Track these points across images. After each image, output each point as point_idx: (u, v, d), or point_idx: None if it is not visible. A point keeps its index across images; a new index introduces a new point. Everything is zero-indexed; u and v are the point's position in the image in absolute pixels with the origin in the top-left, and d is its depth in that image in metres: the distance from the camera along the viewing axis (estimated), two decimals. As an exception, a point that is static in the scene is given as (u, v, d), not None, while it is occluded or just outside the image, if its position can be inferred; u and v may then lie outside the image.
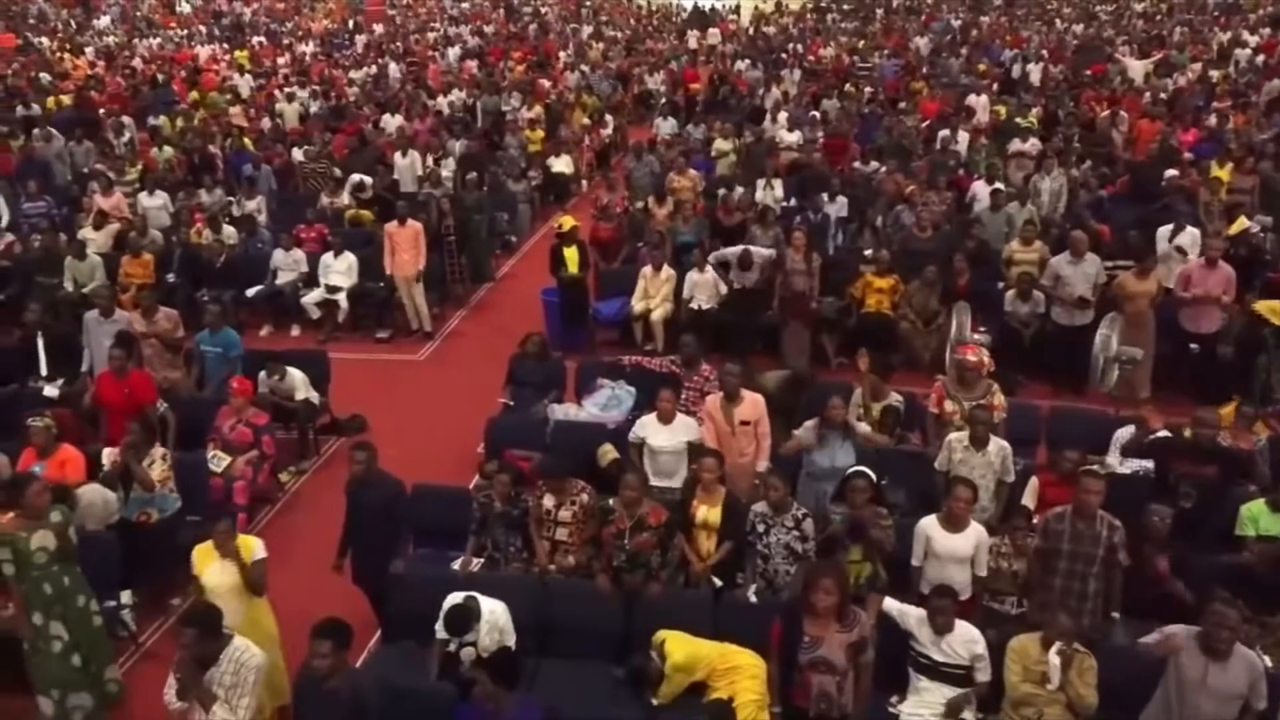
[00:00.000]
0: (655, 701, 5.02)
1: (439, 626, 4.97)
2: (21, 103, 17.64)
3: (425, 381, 9.84)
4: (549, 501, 5.79)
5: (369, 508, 5.78)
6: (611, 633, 5.43)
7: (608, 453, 6.88)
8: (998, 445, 6.10)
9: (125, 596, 6.20)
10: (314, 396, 8.25)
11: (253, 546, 5.17)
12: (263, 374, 7.98)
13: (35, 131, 14.93)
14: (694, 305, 9.77)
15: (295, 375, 8.09)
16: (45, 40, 27.40)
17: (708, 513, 5.62)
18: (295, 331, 10.61)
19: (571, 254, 9.91)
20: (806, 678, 4.48)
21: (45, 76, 21.23)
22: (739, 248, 9.85)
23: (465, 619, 4.93)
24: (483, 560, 6.05)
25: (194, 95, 19.38)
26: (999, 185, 11.25)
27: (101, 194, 11.97)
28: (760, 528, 5.52)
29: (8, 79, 21.60)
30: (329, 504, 7.67)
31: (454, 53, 24.84)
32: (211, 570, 5.08)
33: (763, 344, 9.60)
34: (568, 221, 10.12)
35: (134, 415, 6.72)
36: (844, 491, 5.46)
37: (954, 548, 5.33)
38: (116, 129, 15.39)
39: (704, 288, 9.77)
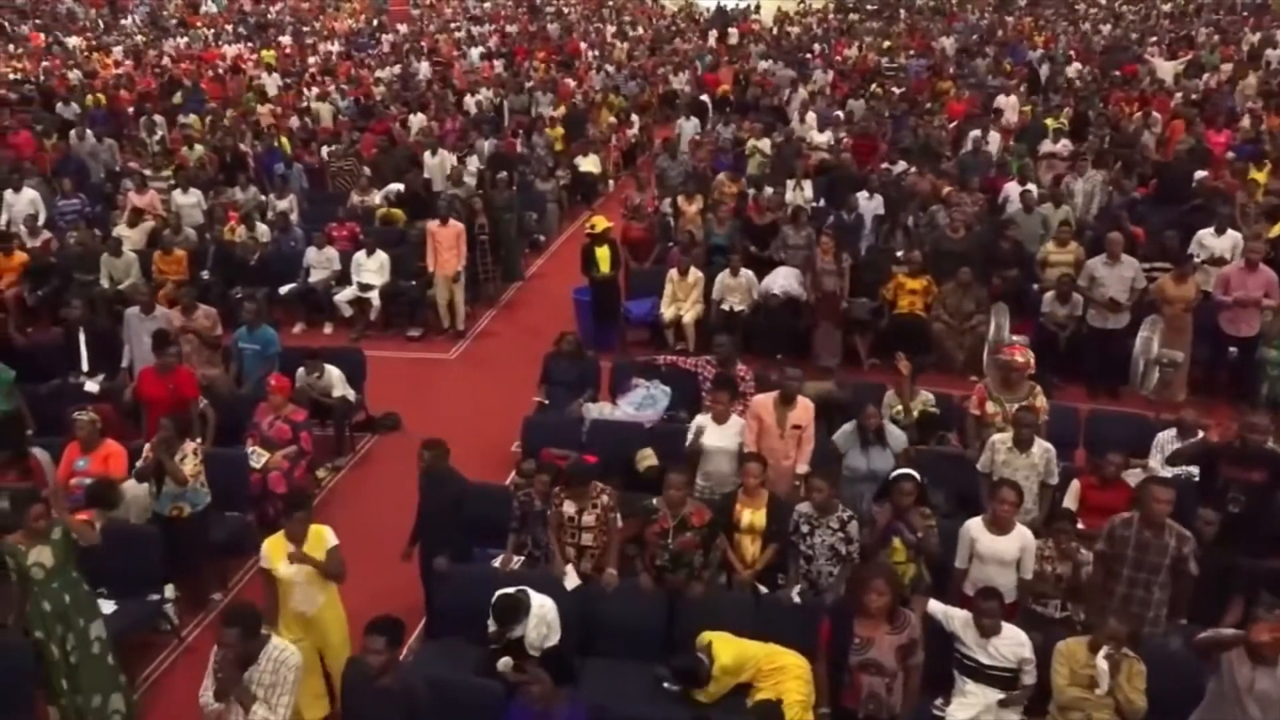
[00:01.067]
0: (702, 699, 5.02)
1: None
2: (62, 100, 17.84)
3: (457, 380, 9.88)
4: (570, 508, 5.70)
5: (434, 504, 5.83)
6: (654, 632, 5.43)
7: (646, 458, 6.87)
8: (1042, 447, 6.06)
9: (169, 591, 6.24)
10: (350, 394, 8.30)
11: (325, 535, 5.15)
12: (301, 370, 8.03)
13: (71, 131, 15.07)
14: (725, 307, 9.77)
15: (333, 372, 8.14)
16: (75, 39, 27.65)
17: (752, 516, 5.61)
18: (328, 329, 10.67)
19: (603, 254, 9.91)
20: (856, 679, 4.47)
21: (76, 74, 21.46)
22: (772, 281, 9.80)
23: (514, 610, 4.94)
24: (523, 558, 6.06)
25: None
26: (1031, 186, 11.18)
27: (135, 191, 12.09)
28: (804, 528, 5.51)
29: (38, 79, 21.86)
30: (365, 501, 7.78)
31: (476, 52, 24.92)
32: (285, 562, 5.05)
33: (794, 345, 9.57)
34: (600, 222, 10.13)
35: (177, 411, 6.79)
36: (889, 493, 5.44)
37: (999, 550, 5.31)
38: (148, 128, 15.51)
39: (736, 290, 9.76)
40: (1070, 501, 6.10)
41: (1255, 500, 5.83)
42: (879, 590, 4.40)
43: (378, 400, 8.86)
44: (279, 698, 4.24)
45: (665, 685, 5.08)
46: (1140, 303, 8.81)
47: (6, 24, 29.91)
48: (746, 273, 9.80)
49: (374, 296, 10.55)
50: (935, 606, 5.10)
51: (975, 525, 5.40)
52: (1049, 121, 14.74)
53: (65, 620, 5.09)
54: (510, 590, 5.05)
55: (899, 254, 10.12)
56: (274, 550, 5.12)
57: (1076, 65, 20.39)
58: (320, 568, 5.02)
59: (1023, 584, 5.37)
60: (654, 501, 5.65)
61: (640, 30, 29.40)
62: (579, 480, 5.63)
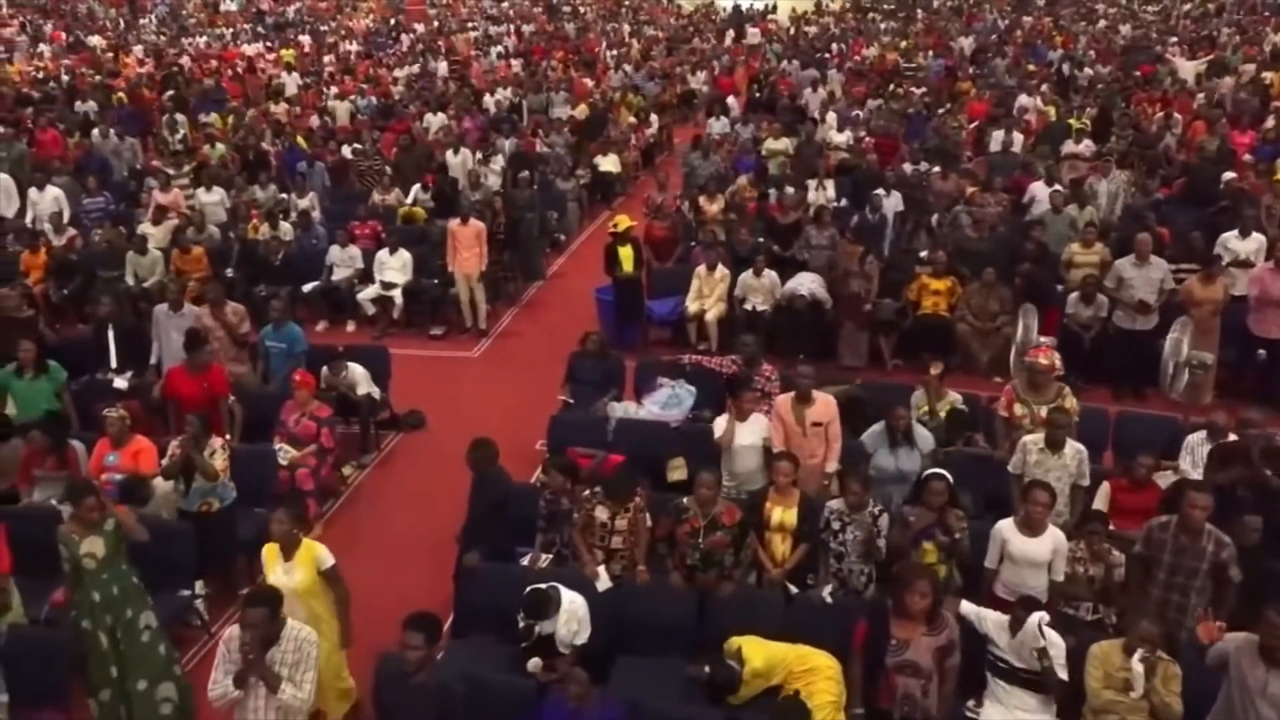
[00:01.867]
0: (733, 702, 5.02)
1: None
2: (81, 98, 17.96)
3: (480, 378, 9.90)
4: (603, 514, 5.70)
5: (482, 501, 5.88)
6: (684, 630, 5.43)
7: (677, 468, 6.86)
8: (1074, 448, 6.03)
9: (199, 586, 6.28)
10: (375, 392, 8.33)
11: (317, 554, 5.09)
12: (326, 368, 8.07)
13: (95, 130, 15.17)
14: (747, 306, 9.76)
15: (356, 370, 8.17)
16: (96, 39, 27.84)
17: (783, 515, 5.61)
18: (350, 327, 10.71)
19: (626, 253, 9.92)
20: (891, 680, 4.46)
21: (96, 75, 21.61)
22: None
23: (544, 604, 4.95)
24: (551, 556, 6.07)
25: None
26: (1059, 187, 11.13)
27: (160, 190, 12.14)
28: (835, 525, 5.50)
29: (60, 77, 22.03)
30: (390, 498, 7.81)
31: (495, 51, 24.97)
32: (276, 571, 5.05)
33: (818, 346, 9.55)
34: (623, 221, 10.13)
35: (207, 408, 6.83)
36: (920, 494, 5.43)
37: (1030, 552, 5.28)
38: (170, 126, 15.59)
39: (758, 290, 9.75)
40: (1101, 503, 6.07)
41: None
42: (922, 592, 4.39)
43: (401, 398, 8.89)
44: (303, 674, 4.26)
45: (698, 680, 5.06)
46: (1168, 304, 8.76)
47: (28, 23, 30.17)
48: (769, 273, 9.79)
49: (397, 295, 10.59)
50: (968, 608, 5.08)
51: (1006, 526, 5.38)
52: (1071, 122, 14.66)
53: (113, 610, 5.11)
54: (541, 585, 5.05)
55: (923, 255, 10.08)
56: (269, 557, 5.14)
57: (1097, 66, 20.25)
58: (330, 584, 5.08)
59: (1054, 586, 5.34)
60: (684, 501, 5.65)
61: (656, 30, 29.39)
62: (623, 493, 5.63)
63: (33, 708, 5.11)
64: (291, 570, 5.05)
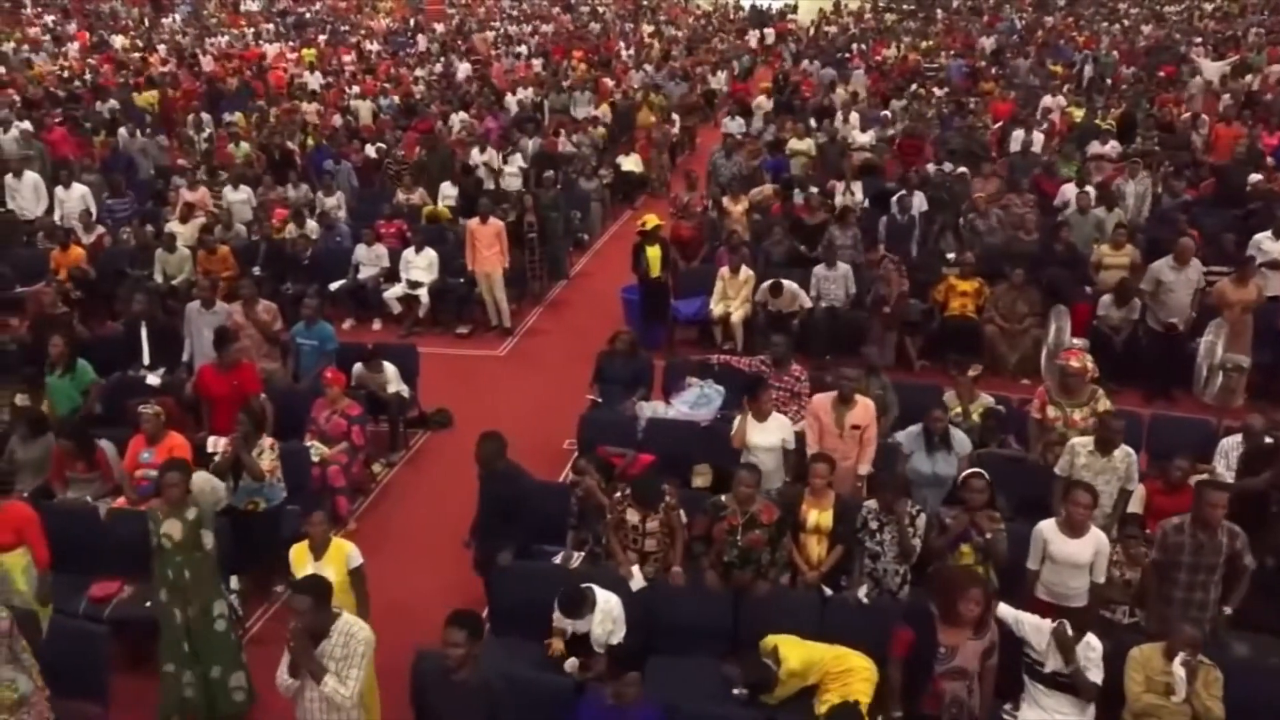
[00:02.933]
0: (769, 702, 5.01)
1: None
2: (105, 98, 18.10)
3: (507, 377, 9.92)
4: (633, 517, 5.69)
5: (494, 497, 5.83)
6: (719, 630, 5.43)
7: (702, 474, 6.85)
8: (1124, 451, 5.96)
9: (233, 582, 6.31)
10: (404, 390, 8.36)
11: (347, 552, 5.14)
12: (359, 366, 8.10)
13: (121, 130, 15.29)
14: (772, 308, 9.74)
15: (388, 368, 8.20)
16: (120, 38, 28.06)
17: (818, 516, 5.59)
18: (376, 326, 10.75)
19: (654, 253, 9.90)
20: (939, 686, 4.44)
21: (121, 74, 21.79)
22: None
23: (580, 602, 4.96)
24: (583, 554, 6.08)
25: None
26: (1088, 188, 11.06)
27: (187, 188, 12.22)
28: (873, 525, 5.49)
29: (85, 76, 22.21)
30: (419, 496, 7.84)
31: (513, 51, 25.02)
32: (305, 570, 5.05)
33: (845, 346, 9.51)
34: (651, 220, 10.11)
35: (239, 405, 6.86)
36: (960, 493, 5.40)
37: (1071, 553, 5.24)
38: (196, 125, 15.70)
39: (783, 301, 9.71)
40: (1136, 506, 6.02)
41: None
42: (976, 600, 4.37)
43: (429, 397, 8.91)
44: (349, 670, 4.25)
45: (735, 692, 5.05)
46: (1201, 306, 8.69)
47: (54, 23, 30.43)
48: (789, 285, 9.69)
49: (423, 294, 10.62)
50: (1005, 611, 5.04)
51: (1048, 527, 5.34)
52: (1098, 122, 14.59)
53: (185, 593, 5.24)
54: (577, 584, 5.05)
55: (950, 256, 10.04)
56: (297, 557, 5.20)
57: (1123, 67, 20.14)
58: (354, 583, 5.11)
59: (1095, 588, 5.31)
60: (723, 498, 5.64)
61: (676, 30, 29.38)
62: (650, 498, 5.61)
63: (71, 699, 5.15)
64: (322, 569, 5.05)
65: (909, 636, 4.62)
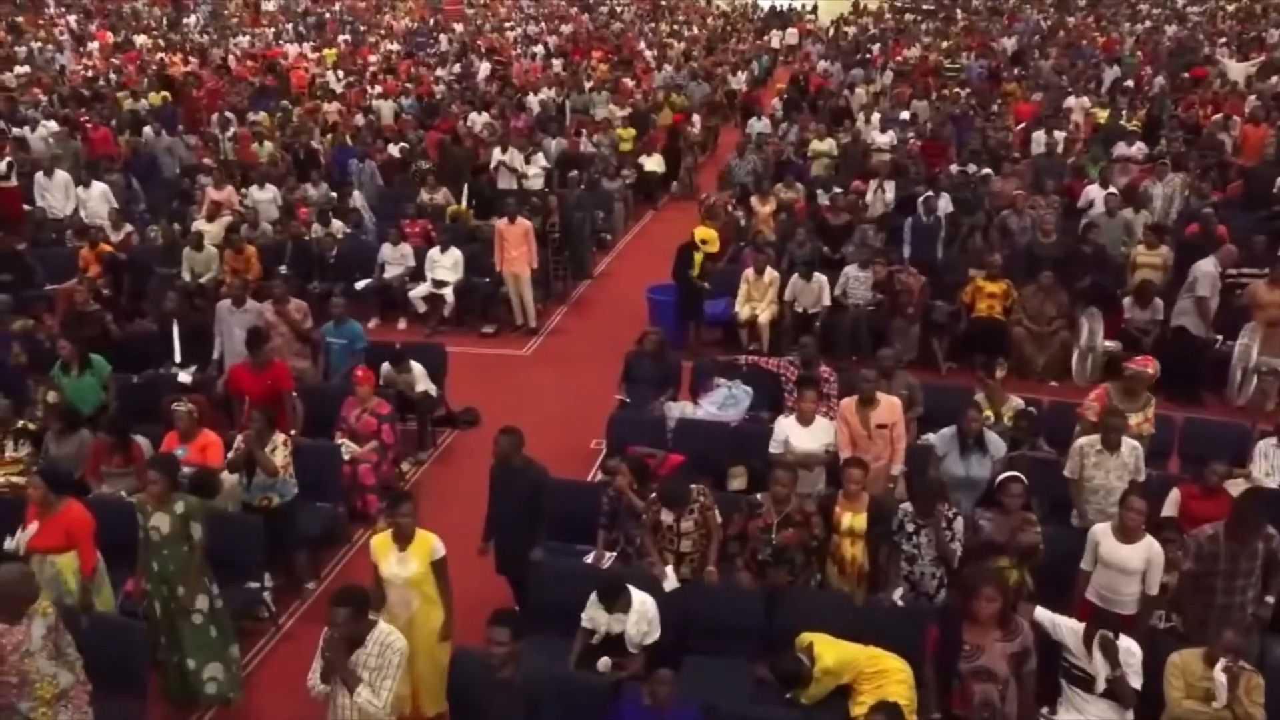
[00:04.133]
0: (803, 701, 5.01)
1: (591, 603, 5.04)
2: (133, 95, 18.24)
3: (533, 376, 9.93)
4: (667, 517, 5.69)
5: (511, 494, 5.81)
6: (752, 630, 5.42)
7: (738, 476, 6.84)
8: (1129, 445, 6.04)
9: (267, 579, 6.35)
10: (432, 389, 8.39)
11: (432, 544, 5.13)
12: (387, 365, 8.14)
13: (146, 129, 15.40)
14: (798, 309, 9.73)
15: (416, 368, 8.23)
16: (142, 38, 28.24)
17: (853, 520, 5.59)
18: (402, 324, 10.78)
19: (700, 258, 9.95)
20: (968, 686, 4.44)
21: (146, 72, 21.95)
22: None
23: (618, 590, 5.01)
24: (615, 554, 6.08)
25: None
26: (1114, 189, 11.01)
27: (214, 186, 12.29)
28: (909, 527, 5.47)
29: (109, 76, 22.35)
30: (447, 495, 7.85)
31: (531, 50, 25.06)
32: (389, 561, 5.07)
33: (871, 347, 9.48)
34: (712, 239, 10.10)
35: (271, 403, 6.91)
36: (996, 496, 5.39)
37: (1123, 558, 5.22)
38: (222, 124, 15.78)
39: (807, 294, 9.72)
40: (1171, 510, 6.00)
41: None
42: (988, 597, 4.37)
43: (455, 396, 8.94)
44: (382, 681, 4.26)
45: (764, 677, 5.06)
46: (1235, 309, 8.63)
47: (77, 22, 30.67)
48: (819, 276, 9.75)
49: (448, 293, 10.65)
50: (1042, 614, 5.03)
51: (1102, 530, 5.34)
52: (1124, 123, 14.51)
53: (169, 584, 5.33)
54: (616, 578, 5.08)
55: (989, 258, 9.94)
56: (380, 548, 5.16)
57: (1147, 68, 20.02)
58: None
59: (1146, 599, 5.26)
60: (758, 496, 5.64)
61: (695, 30, 29.37)
62: (679, 498, 5.62)
63: (110, 695, 5.19)
64: (406, 560, 5.08)
65: (935, 635, 4.62)
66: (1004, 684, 4.47)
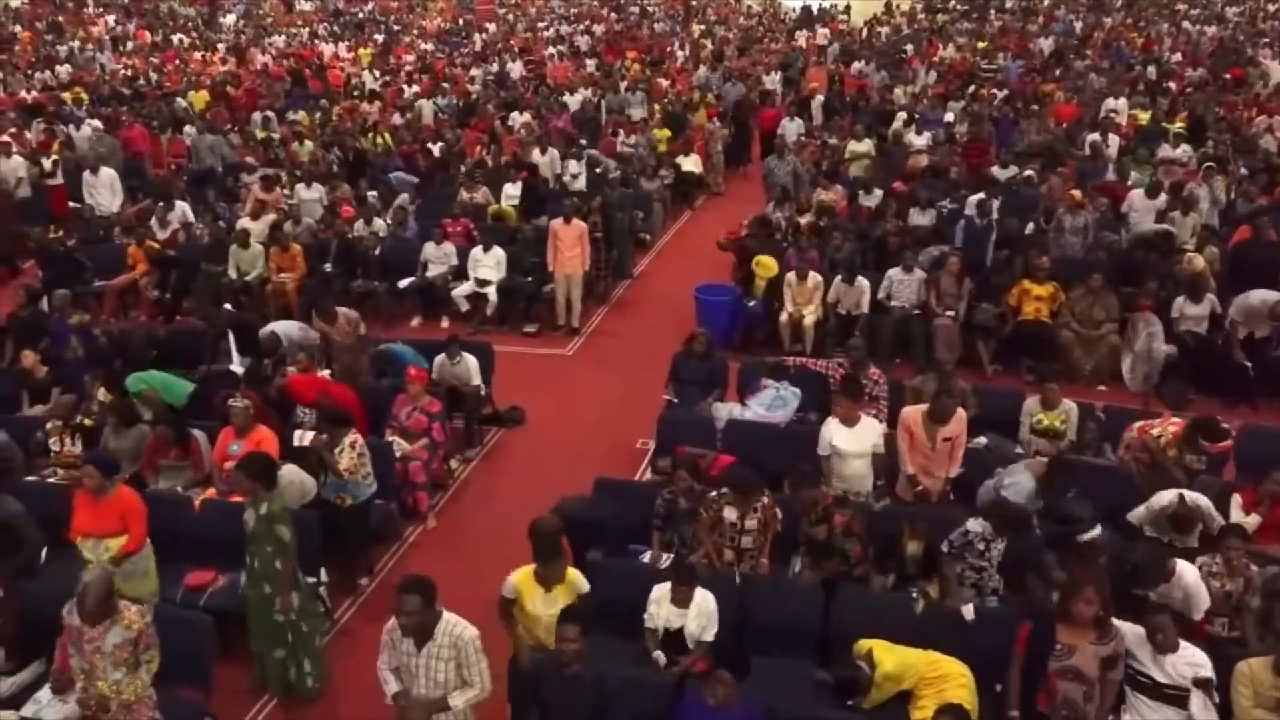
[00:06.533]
0: (863, 706, 5.00)
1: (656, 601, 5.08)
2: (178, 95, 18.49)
3: (576, 376, 9.97)
4: (731, 514, 5.71)
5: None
6: (810, 631, 5.42)
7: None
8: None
9: (323, 574, 6.40)
10: (481, 387, 8.43)
11: (578, 582, 5.04)
12: (440, 357, 8.21)
13: (188, 127, 15.59)
14: (841, 310, 9.71)
15: (470, 360, 8.30)
16: (179, 37, 28.57)
17: (916, 549, 5.68)
18: (445, 323, 10.80)
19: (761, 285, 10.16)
20: (1053, 684, 4.44)
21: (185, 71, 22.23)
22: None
23: (691, 578, 5.05)
24: (670, 555, 6.09)
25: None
26: (1163, 197, 10.86)
27: (264, 189, 12.38)
28: (980, 546, 5.48)
29: (149, 75, 22.65)
30: (496, 492, 7.91)
31: (557, 50, 25.14)
32: (534, 600, 4.99)
33: (915, 349, 9.44)
34: (769, 265, 10.25)
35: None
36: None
37: (1161, 592, 5.25)
38: (264, 124, 15.95)
39: (850, 296, 9.69)
40: (1235, 515, 5.94)
41: None
42: (1088, 599, 4.38)
43: (499, 394, 8.96)
44: (470, 669, 4.30)
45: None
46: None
47: (114, 22, 31.07)
48: (861, 280, 9.71)
49: (491, 292, 10.69)
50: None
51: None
52: (1166, 125, 14.35)
53: (259, 580, 5.46)
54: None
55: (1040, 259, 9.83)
56: (524, 585, 5.02)
57: (1187, 70, 19.80)
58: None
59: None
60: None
61: (726, 30, 29.31)
62: (749, 490, 5.65)
63: (173, 686, 5.26)
64: (553, 601, 4.93)
65: (1026, 630, 4.61)
66: (1090, 685, 4.48)
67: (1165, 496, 5.93)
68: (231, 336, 8.49)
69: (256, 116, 16.87)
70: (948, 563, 5.55)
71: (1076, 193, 10.95)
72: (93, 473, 5.75)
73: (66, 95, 19.13)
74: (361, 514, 6.53)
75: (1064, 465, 6.21)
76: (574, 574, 5.04)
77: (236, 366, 8.19)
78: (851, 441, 6.43)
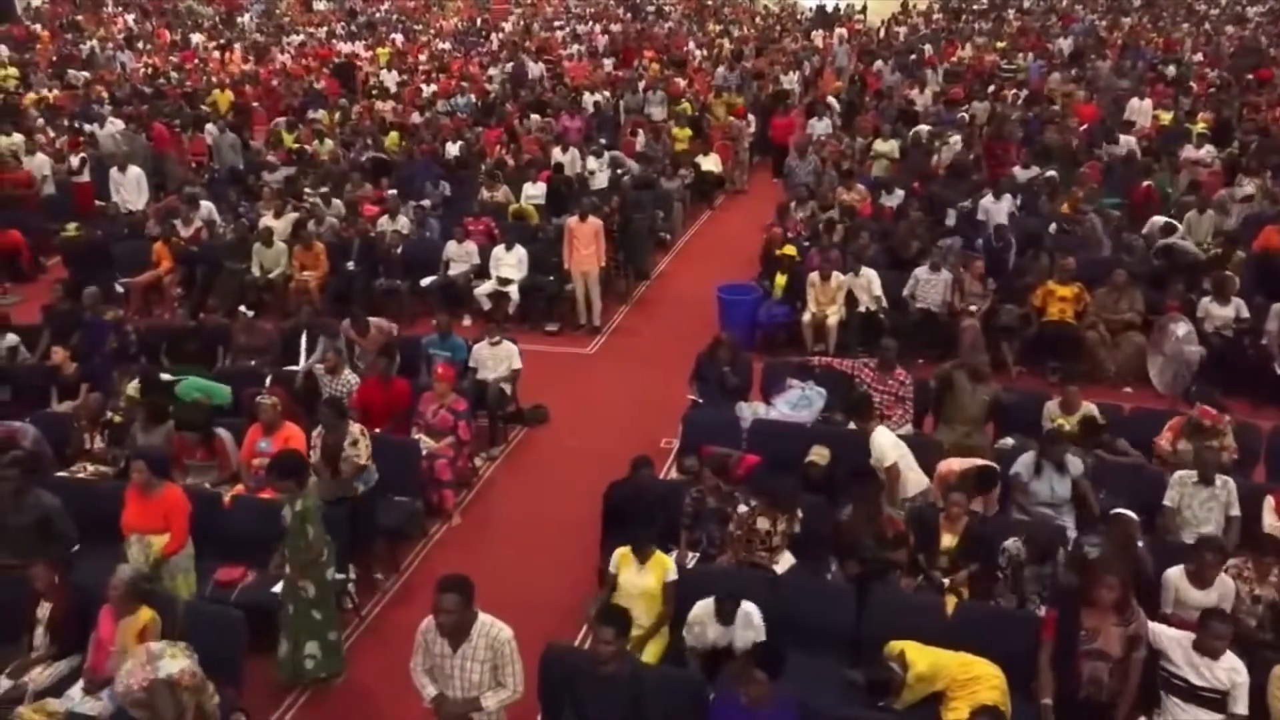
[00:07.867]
0: (895, 707, 4.99)
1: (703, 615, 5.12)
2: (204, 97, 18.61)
3: (598, 374, 9.98)
4: (764, 524, 5.76)
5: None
6: (844, 631, 5.41)
7: (820, 453, 6.77)
8: (1222, 480, 6.17)
9: (351, 570, 6.43)
10: (507, 386, 8.46)
11: (668, 567, 5.45)
12: (479, 345, 8.41)
13: (209, 125, 15.67)
14: (860, 308, 9.69)
15: (509, 344, 8.52)
16: (198, 37, 28.72)
17: (949, 541, 5.69)
18: (466, 322, 10.82)
19: (782, 282, 10.08)
20: (1078, 664, 4.48)
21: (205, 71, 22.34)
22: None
23: (735, 607, 5.08)
24: (698, 555, 6.09)
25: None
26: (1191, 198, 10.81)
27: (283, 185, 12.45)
28: (1020, 559, 5.53)
29: (170, 74, 22.78)
30: (520, 490, 7.94)
31: (575, 49, 25.16)
32: (629, 572, 5.45)
33: (937, 347, 9.41)
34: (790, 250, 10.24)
35: (391, 414, 7.34)
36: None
37: (1198, 600, 5.24)
38: (290, 125, 16.02)
39: (857, 287, 9.69)
40: (1269, 518, 5.93)
41: None
42: (1110, 585, 4.52)
43: (522, 393, 8.95)
44: (505, 673, 4.29)
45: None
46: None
47: (133, 21, 31.26)
48: (867, 271, 9.70)
49: (513, 290, 10.72)
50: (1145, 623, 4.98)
51: (1176, 575, 5.38)
52: (1190, 126, 14.26)
53: (290, 572, 5.51)
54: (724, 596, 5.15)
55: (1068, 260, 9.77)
56: (622, 560, 5.52)
57: (1208, 70, 19.67)
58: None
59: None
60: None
61: (744, 30, 29.27)
62: (788, 504, 5.76)
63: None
64: (645, 573, 5.43)
65: (1053, 616, 4.64)
66: (1114, 662, 4.51)
67: None
68: (304, 336, 8.57)
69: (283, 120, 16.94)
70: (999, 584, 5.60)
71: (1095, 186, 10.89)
72: (142, 467, 5.86)
73: (94, 92, 19.30)
74: (370, 502, 6.55)
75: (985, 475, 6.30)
76: (666, 559, 5.44)
77: (315, 365, 8.18)
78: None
